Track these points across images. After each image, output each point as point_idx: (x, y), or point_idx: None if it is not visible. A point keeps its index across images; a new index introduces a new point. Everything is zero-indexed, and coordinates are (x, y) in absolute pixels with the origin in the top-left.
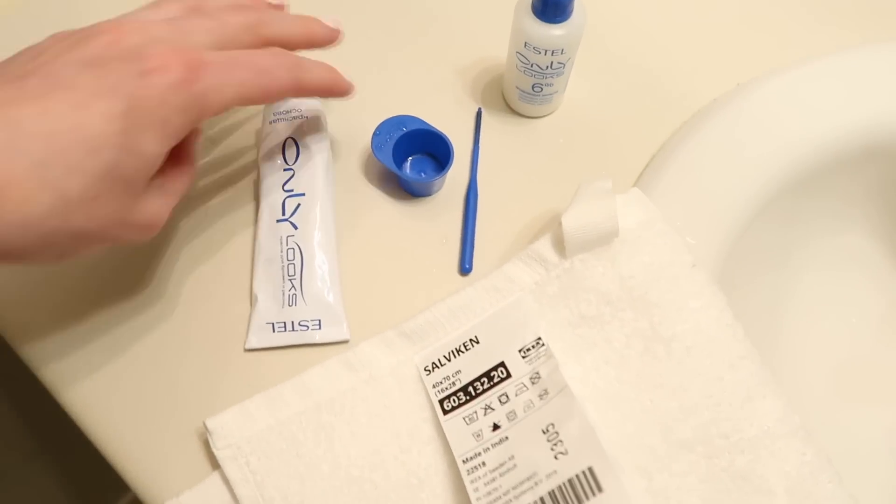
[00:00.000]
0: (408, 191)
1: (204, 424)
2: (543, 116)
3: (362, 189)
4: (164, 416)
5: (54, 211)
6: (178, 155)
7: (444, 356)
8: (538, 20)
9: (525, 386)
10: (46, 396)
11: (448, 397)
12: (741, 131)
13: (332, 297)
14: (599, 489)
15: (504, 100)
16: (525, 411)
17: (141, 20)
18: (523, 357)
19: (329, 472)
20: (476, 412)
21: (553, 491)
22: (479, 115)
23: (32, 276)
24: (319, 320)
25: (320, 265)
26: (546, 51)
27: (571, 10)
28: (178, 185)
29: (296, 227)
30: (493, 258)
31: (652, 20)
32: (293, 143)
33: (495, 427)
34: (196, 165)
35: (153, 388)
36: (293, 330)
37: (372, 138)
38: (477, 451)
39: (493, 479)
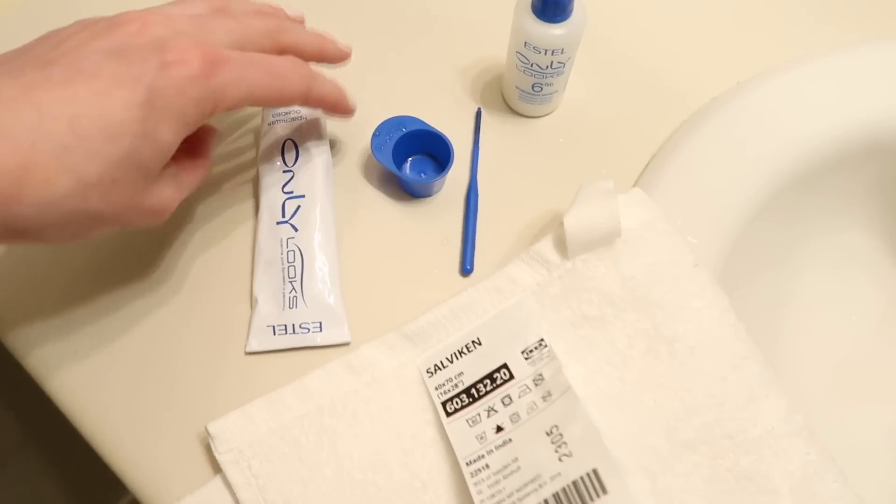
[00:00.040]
0: (408, 191)
1: (206, 429)
2: (543, 116)
3: (362, 190)
4: (165, 419)
5: (73, 193)
6: (194, 149)
7: (447, 358)
8: (538, 20)
9: (528, 388)
10: (47, 398)
11: (451, 399)
12: (741, 130)
13: (332, 299)
14: (604, 491)
15: (504, 99)
16: (528, 413)
17: (166, 13)
18: (526, 358)
19: (332, 476)
20: (479, 414)
21: (557, 493)
22: (478, 115)
23: (33, 280)
24: (320, 322)
25: (321, 267)
26: (546, 50)
27: (571, 10)
28: (190, 177)
29: (296, 229)
30: (494, 258)
31: (651, 19)
32: (293, 145)
33: (498, 429)
34: (210, 161)
35: (154, 392)
36: (294, 332)
37: (372, 139)
38: (480, 453)
39: (497, 482)
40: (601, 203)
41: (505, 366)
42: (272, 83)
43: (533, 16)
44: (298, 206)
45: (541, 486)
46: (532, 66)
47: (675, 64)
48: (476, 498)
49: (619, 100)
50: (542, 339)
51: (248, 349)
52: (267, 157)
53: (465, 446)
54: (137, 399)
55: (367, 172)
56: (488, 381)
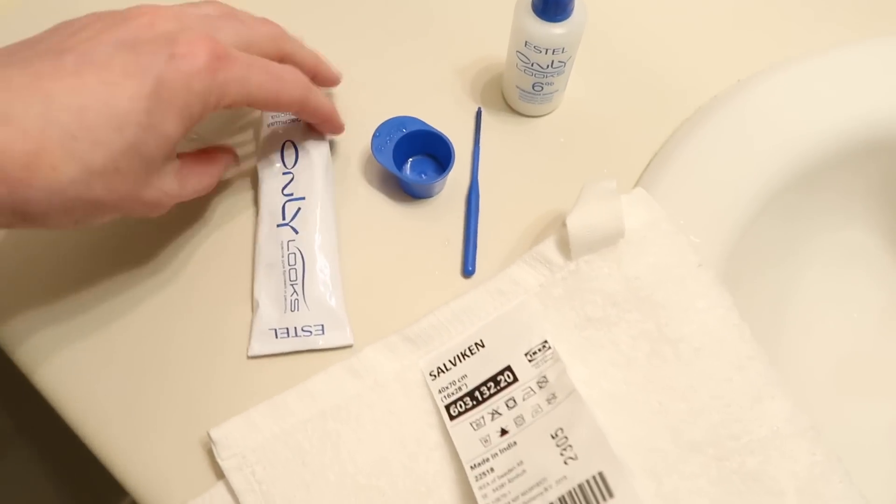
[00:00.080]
0: (409, 193)
1: (208, 434)
2: (544, 115)
3: (362, 192)
4: (166, 423)
5: (78, 180)
6: (209, 159)
7: (450, 360)
8: (539, 19)
9: (532, 390)
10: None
11: (454, 402)
12: (742, 128)
13: (334, 301)
14: (610, 494)
15: (504, 99)
16: (533, 416)
17: (177, 9)
18: (530, 361)
19: (336, 481)
20: (483, 417)
21: (563, 496)
22: (478, 114)
23: (34, 288)
24: (322, 325)
25: (322, 269)
26: (547, 50)
27: (572, 9)
28: (195, 179)
29: (296, 232)
30: (496, 259)
31: (652, 17)
32: (292, 147)
33: (503, 432)
34: (218, 176)
35: (155, 396)
36: (296, 335)
37: (372, 140)
38: (485, 456)
39: (502, 486)
40: (604, 204)
41: (508, 368)
42: (272, 86)
43: (533, 15)
44: (299, 209)
45: (546, 489)
46: (533, 65)
47: (675, 62)
48: (481, 502)
49: (620, 98)
50: (545, 341)
51: (251, 353)
52: (266, 158)
53: (470, 450)
54: (138, 404)
55: (368, 173)
56: (492, 384)
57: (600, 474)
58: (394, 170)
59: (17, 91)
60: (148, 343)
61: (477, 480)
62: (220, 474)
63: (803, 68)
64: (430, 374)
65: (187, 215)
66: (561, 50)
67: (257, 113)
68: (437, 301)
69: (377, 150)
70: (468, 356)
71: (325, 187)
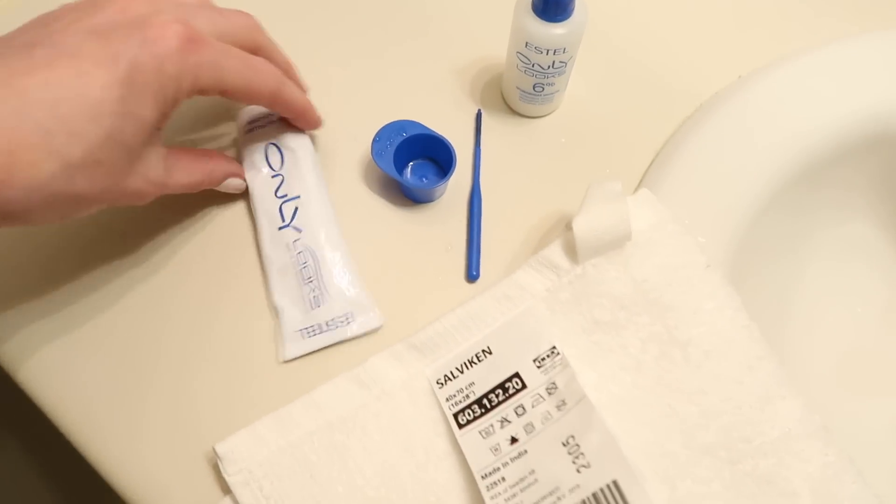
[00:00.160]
0: (410, 197)
1: (213, 449)
2: (544, 116)
3: (363, 197)
4: (172, 439)
5: (59, 174)
6: (200, 156)
7: (457, 368)
8: (539, 19)
9: (541, 397)
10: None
11: (462, 410)
12: (744, 125)
13: (354, 289)
14: (625, 502)
15: (504, 100)
16: (543, 423)
17: None
18: (538, 367)
19: (345, 493)
20: (492, 425)
21: None
22: (478, 116)
23: (33, 292)
24: (348, 314)
25: (334, 261)
26: (548, 50)
27: (573, 8)
28: (182, 173)
29: (300, 231)
30: (500, 263)
31: (651, 14)
32: (275, 148)
33: (513, 440)
34: (207, 178)
35: (163, 412)
36: (325, 331)
37: (372, 145)
38: (495, 465)
39: (514, 495)
40: (610, 206)
41: (517, 375)
42: (245, 74)
43: (534, 15)
44: (296, 208)
45: (559, 498)
46: (533, 66)
47: (676, 59)
48: None
49: (621, 97)
50: (553, 347)
51: (285, 357)
52: (252, 165)
53: (480, 459)
54: (144, 418)
55: (368, 179)
56: (500, 391)
57: (614, 482)
58: (394, 174)
59: None
60: (158, 364)
61: (488, 490)
62: (226, 489)
63: (804, 63)
64: (437, 383)
65: (182, 235)
66: (562, 50)
67: (233, 125)
68: (442, 307)
69: (377, 155)
70: (475, 363)
71: (317, 182)
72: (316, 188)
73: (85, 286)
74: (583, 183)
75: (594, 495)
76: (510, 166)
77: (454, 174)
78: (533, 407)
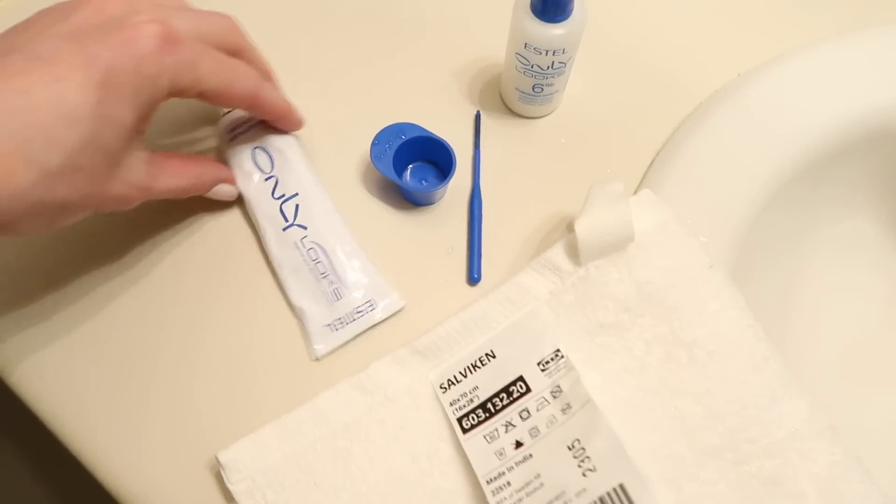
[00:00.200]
0: (410, 200)
1: (216, 458)
2: (543, 116)
3: (363, 200)
4: (176, 447)
5: (38, 183)
6: (188, 160)
7: (460, 372)
8: (538, 20)
9: (546, 400)
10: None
11: (467, 415)
12: (745, 123)
13: (369, 275)
14: None
15: (503, 101)
16: (548, 427)
17: None
18: (542, 370)
19: (349, 501)
20: (497, 430)
21: None
22: (477, 118)
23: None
24: (370, 301)
25: (345, 252)
26: (547, 51)
27: (572, 8)
28: (168, 178)
29: (305, 228)
30: (502, 265)
31: (650, 12)
32: (262, 151)
33: (518, 444)
34: (195, 183)
35: (165, 420)
36: (352, 321)
37: (371, 148)
38: (500, 470)
39: (520, 500)
40: (612, 207)
41: (521, 378)
42: (223, 75)
43: (532, 16)
44: (297, 205)
45: (566, 503)
46: (532, 67)
47: (675, 57)
48: None
49: (620, 96)
50: (557, 350)
51: (317, 354)
52: (242, 172)
53: (485, 464)
54: (145, 426)
55: (367, 182)
56: (504, 395)
57: (621, 486)
58: (394, 178)
59: None
60: (159, 367)
61: (494, 495)
62: (229, 498)
63: (803, 60)
64: (441, 387)
65: (186, 250)
66: (561, 51)
67: (214, 139)
68: (444, 310)
69: (376, 159)
70: (479, 367)
71: (311, 176)
72: (311, 183)
73: (83, 292)
74: (583, 183)
75: (601, 499)
76: (510, 167)
77: (454, 176)
78: (538, 411)
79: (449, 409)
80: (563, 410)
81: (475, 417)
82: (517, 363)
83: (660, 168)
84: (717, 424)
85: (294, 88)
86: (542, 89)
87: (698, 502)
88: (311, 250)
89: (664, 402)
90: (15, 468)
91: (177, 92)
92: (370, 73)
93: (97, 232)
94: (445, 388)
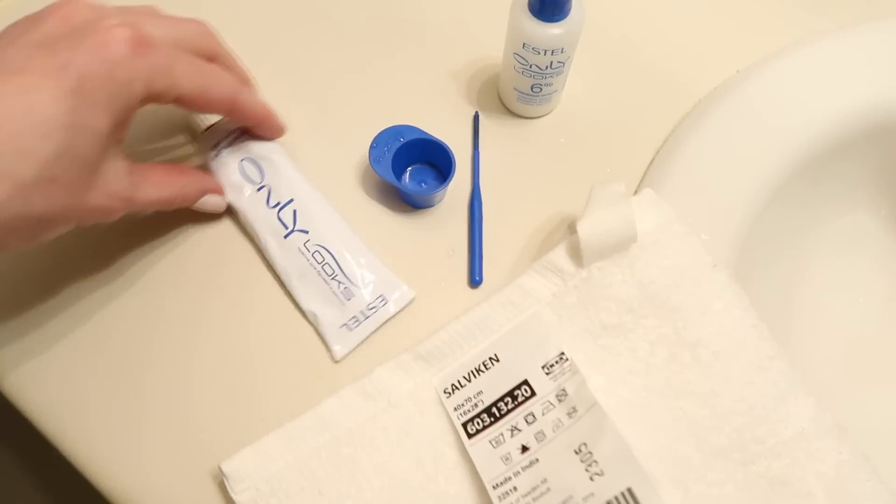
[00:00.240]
0: (409, 203)
1: (219, 468)
2: (542, 116)
3: (361, 204)
4: (178, 457)
5: (14, 197)
6: (172, 170)
7: (464, 377)
8: (536, 20)
9: (552, 404)
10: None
11: (471, 420)
12: (744, 120)
13: (376, 271)
14: None
15: (501, 101)
16: (554, 431)
17: (95, 1)
18: (547, 373)
19: None
20: (502, 434)
21: None
22: (476, 119)
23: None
24: (381, 296)
25: (350, 250)
26: (545, 51)
27: (570, 8)
28: (150, 188)
29: (306, 232)
30: (503, 267)
31: (648, 10)
32: (249, 162)
33: (524, 449)
34: (179, 193)
35: (166, 429)
36: (366, 318)
37: (369, 151)
38: (507, 475)
39: None
40: (615, 208)
41: (525, 382)
42: (199, 79)
43: (530, 15)
44: (295, 211)
45: None
46: (531, 67)
47: (673, 55)
48: None
49: (619, 94)
50: (562, 353)
51: (338, 356)
52: (232, 186)
53: (491, 469)
54: (146, 435)
55: (366, 185)
56: (509, 399)
57: (629, 490)
58: (393, 181)
59: None
60: (160, 376)
61: (500, 500)
62: None
63: (802, 55)
64: (445, 392)
65: (190, 271)
66: (560, 50)
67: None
68: (446, 313)
69: (375, 162)
70: (483, 371)
71: (303, 180)
72: (304, 187)
73: (80, 301)
74: (583, 183)
75: (608, 503)
76: (510, 168)
77: (453, 178)
78: (543, 415)
79: (453, 414)
80: (569, 414)
81: (480, 422)
82: (521, 366)
83: (660, 167)
84: (723, 425)
85: (290, 92)
86: (541, 89)
87: (706, 503)
88: (315, 253)
89: (669, 403)
90: (16, 478)
91: (153, 97)
92: (367, 75)
93: (92, 239)
94: (449, 393)
